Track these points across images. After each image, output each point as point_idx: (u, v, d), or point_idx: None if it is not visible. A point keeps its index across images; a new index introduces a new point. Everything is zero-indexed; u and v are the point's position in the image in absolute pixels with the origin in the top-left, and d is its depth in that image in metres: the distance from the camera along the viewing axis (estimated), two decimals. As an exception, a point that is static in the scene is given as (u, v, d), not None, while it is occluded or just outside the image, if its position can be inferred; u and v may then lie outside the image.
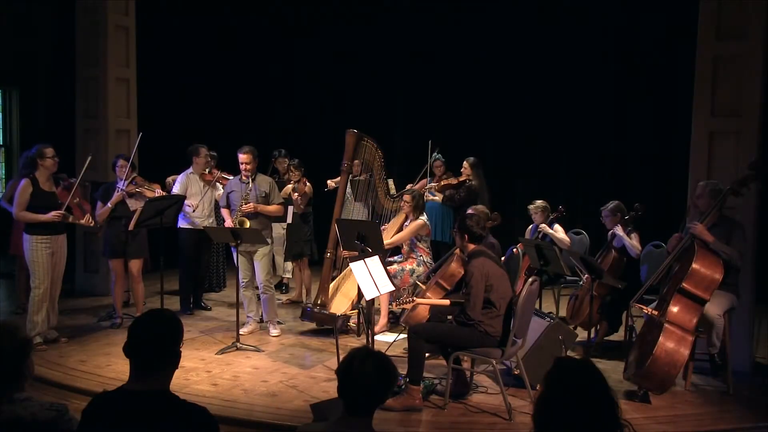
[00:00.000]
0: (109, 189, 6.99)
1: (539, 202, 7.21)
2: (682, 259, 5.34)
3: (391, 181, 8.11)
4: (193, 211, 7.43)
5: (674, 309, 5.13)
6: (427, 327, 5.24)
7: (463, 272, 6.00)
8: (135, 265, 7.07)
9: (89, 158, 6.79)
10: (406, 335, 6.44)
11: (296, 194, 7.84)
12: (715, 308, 5.34)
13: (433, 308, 5.85)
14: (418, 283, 6.63)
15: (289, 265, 8.60)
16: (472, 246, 5.18)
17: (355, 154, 7.13)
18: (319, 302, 7.04)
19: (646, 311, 5.34)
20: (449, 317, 5.52)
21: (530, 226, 7.38)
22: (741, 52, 6.04)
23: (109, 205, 6.84)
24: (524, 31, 9.93)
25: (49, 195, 6.30)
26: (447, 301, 5.68)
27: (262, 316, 7.10)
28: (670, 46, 9.00)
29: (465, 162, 8.42)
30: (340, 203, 7.17)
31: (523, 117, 10.06)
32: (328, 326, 6.85)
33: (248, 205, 6.63)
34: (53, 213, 6.19)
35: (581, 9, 9.59)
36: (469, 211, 5.97)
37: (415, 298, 5.83)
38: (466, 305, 4.97)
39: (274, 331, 6.88)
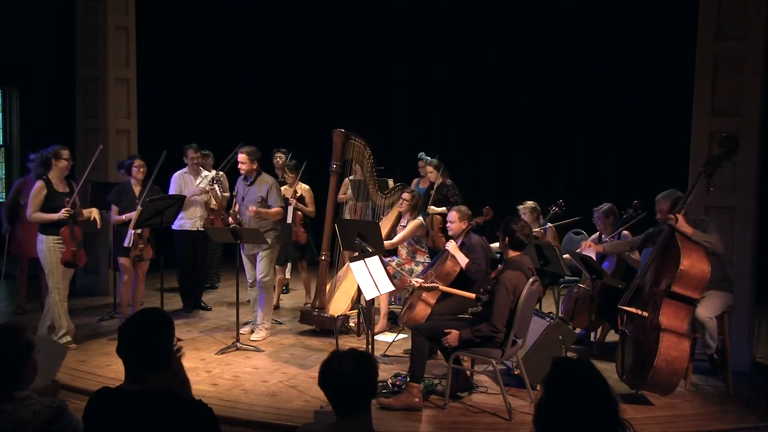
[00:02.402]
0: (122, 192, 6.89)
1: (529, 203, 7.13)
2: (666, 257, 5.23)
3: (391, 181, 8.11)
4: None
5: (666, 314, 5.06)
6: (429, 326, 5.24)
7: (458, 270, 6.00)
8: (143, 264, 7.05)
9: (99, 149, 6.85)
10: (405, 335, 6.47)
11: (293, 199, 7.78)
12: (704, 310, 5.31)
13: (435, 308, 5.84)
14: (415, 283, 6.59)
15: (289, 265, 8.55)
16: (513, 253, 5.07)
17: (344, 154, 7.08)
18: (317, 305, 7.02)
19: (637, 313, 5.30)
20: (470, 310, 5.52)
21: None
22: (741, 52, 6.04)
23: (123, 218, 6.77)
24: (524, 30, 9.95)
25: (62, 196, 6.29)
26: (472, 295, 5.67)
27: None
28: (670, 46, 9.00)
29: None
30: (332, 205, 7.13)
31: (523, 116, 10.07)
32: (328, 328, 6.85)
33: (250, 209, 6.62)
34: (63, 210, 6.19)
35: (581, 8, 9.60)
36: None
37: (440, 285, 5.82)
38: (492, 317, 4.88)
39: (256, 335, 6.79)
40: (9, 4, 10.52)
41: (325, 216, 7.13)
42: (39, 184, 6.28)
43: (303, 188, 7.81)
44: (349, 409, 2.58)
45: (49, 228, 6.27)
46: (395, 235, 7.14)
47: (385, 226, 7.27)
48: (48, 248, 6.28)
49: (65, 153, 6.36)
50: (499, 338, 4.89)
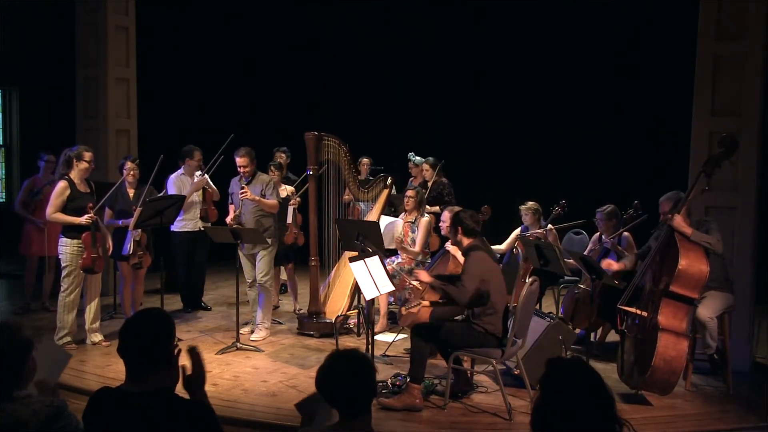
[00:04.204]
0: (117, 194, 6.81)
1: (531, 204, 7.12)
2: (665, 257, 5.24)
3: (389, 180, 8.05)
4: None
5: (665, 314, 5.06)
6: (429, 326, 5.25)
7: (460, 270, 6.00)
8: (141, 269, 7.03)
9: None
10: (405, 335, 6.47)
11: (296, 198, 7.79)
12: (705, 311, 5.32)
13: (435, 310, 5.84)
14: (413, 283, 6.59)
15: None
16: (467, 240, 5.20)
17: (319, 156, 7.00)
18: (313, 311, 7.01)
19: (636, 313, 5.30)
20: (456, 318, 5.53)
21: (520, 227, 7.31)
22: (741, 52, 6.04)
23: (119, 223, 6.74)
24: (524, 30, 9.95)
25: (85, 197, 6.26)
26: (456, 307, 5.67)
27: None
28: (670, 46, 9.00)
29: (425, 164, 8.28)
30: (315, 210, 7.07)
31: (523, 116, 10.06)
32: (327, 333, 6.84)
33: (244, 192, 6.60)
34: (86, 216, 6.14)
35: (581, 9, 9.60)
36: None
37: (422, 302, 5.82)
38: (458, 296, 5.00)
39: (256, 335, 6.79)
40: (9, 5, 10.53)
41: (309, 221, 7.09)
42: (62, 184, 6.23)
43: (288, 189, 7.80)
44: (346, 413, 2.60)
45: (72, 231, 6.23)
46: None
47: (374, 215, 7.33)
48: (71, 252, 6.26)
49: (87, 156, 6.31)
50: (479, 328, 4.90)
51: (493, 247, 7.04)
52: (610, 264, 6.02)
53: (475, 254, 5.07)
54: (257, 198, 6.62)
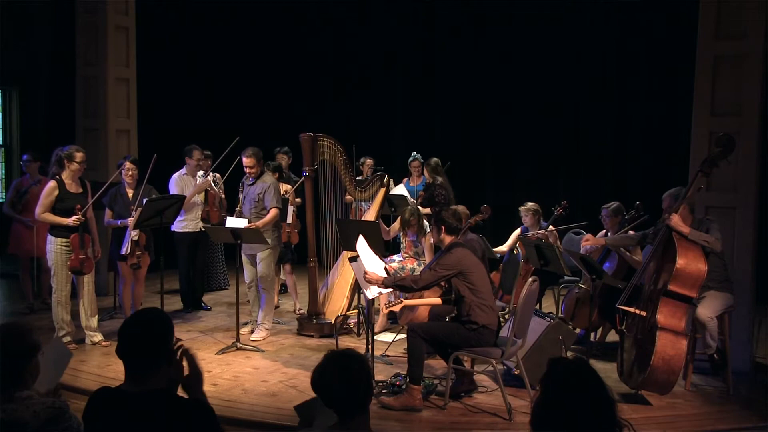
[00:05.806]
0: (117, 195, 6.85)
1: (530, 204, 7.12)
2: (664, 256, 5.24)
3: (391, 181, 8.06)
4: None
5: (663, 313, 5.06)
6: (425, 326, 5.24)
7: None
8: (141, 269, 7.03)
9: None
10: (405, 335, 6.47)
11: (293, 198, 7.79)
12: (705, 311, 5.32)
13: (433, 309, 5.85)
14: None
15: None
16: (449, 238, 5.24)
17: (315, 157, 6.98)
18: (312, 311, 7.00)
19: (635, 313, 5.30)
20: (447, 318, 5.53)
21: (520, 228, 7.31)
22: (741, 52, 6.04)
23: (118, 223, 6.76)
24: (524, 29, 9.94)
25: (74, 197, 6.25)
26: (437, 300, 5.68)
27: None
28: (670, 46, 9.00)
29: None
30: (311, 211, 7.07)
31: (523, 116, 10.06)
32: (328, 334, 6.84)
33: (249, 225, 6.59)
34: (73, 218, 6.14)
35: (581, 8, 9.60)
36: None
37: (402, 300, 5.83)
38: (410, 284, 5.16)
39: (256, 335, 6.79)
40: (9, 4, 10.52)
41: (306, 222, 7.09)
42: (51, 184, 6.23)
43: (284, 187, 7.80)
44: (343, 413, 2.61)
45: (59, 230, 6.22)
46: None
47: (371, 213, 7.37)
48: (56, 250, 6.25)
49: (78, 156, 6.30)
50: (471, 325, 4.92)
51: (494, 248, 7.06)
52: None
53: (455, 250, 5.11)
54: (260, 224, 6.59)
